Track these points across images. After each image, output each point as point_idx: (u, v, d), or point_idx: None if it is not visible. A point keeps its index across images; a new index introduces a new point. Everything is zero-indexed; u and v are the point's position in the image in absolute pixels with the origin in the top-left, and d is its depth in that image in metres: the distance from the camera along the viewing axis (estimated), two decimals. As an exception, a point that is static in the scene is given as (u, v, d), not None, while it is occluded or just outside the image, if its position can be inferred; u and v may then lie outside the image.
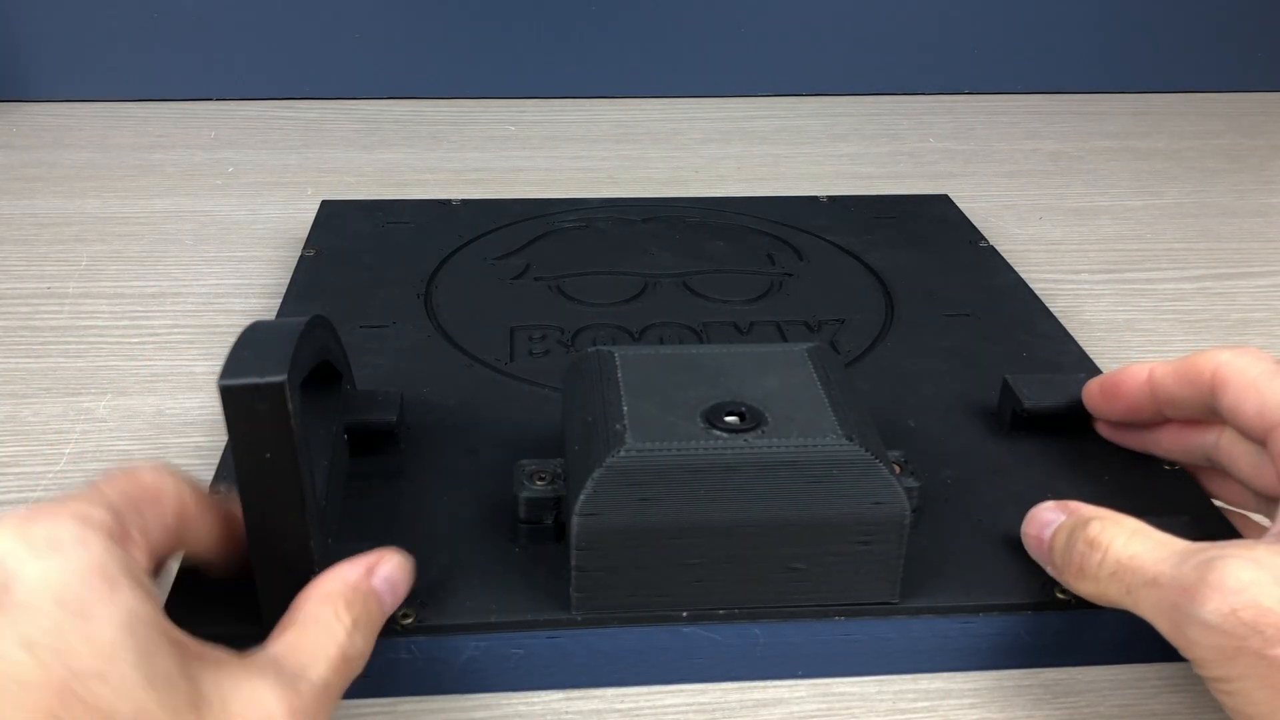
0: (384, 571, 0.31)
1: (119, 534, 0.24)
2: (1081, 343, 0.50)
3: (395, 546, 0.32)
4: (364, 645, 0.29)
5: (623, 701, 0.34)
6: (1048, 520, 0.35)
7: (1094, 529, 0.32)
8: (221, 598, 0.33)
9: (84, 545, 0.22)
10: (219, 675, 0.24)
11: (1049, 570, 0.35)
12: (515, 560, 0.35)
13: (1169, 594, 0.29)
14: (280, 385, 0.29)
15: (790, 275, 0.56)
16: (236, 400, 0.29)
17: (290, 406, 0.29)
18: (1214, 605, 0.28)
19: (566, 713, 0.34)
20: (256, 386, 0.29)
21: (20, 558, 0.21)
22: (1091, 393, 0.41)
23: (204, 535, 0.31)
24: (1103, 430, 0.42)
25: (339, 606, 0.29)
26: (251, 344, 0.31)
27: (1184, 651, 0.30)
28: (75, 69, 0.86)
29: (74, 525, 0.23)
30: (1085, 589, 0.33)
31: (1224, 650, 0.28)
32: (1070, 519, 0.34)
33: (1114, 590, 0.32)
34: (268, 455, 0.29)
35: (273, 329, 0.32)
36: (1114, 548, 0.32)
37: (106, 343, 0.53)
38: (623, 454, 0.32)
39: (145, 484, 0.28)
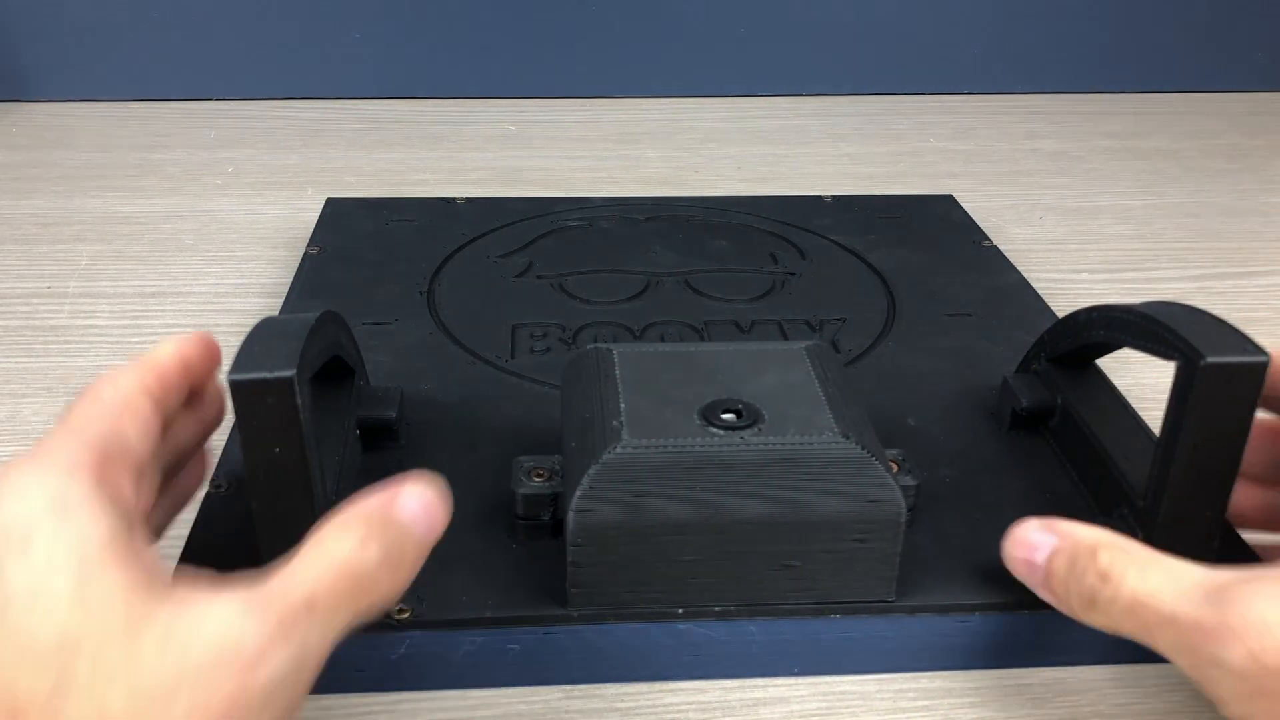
0: (407, 498, 0.28)
1: (94, 465, 0.25)
2: (1081, 342, 0.50)
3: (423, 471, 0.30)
4: (380, 561, 0.26)
5: (623, 700, 0.34)
6: (1037, 543, 0.32)
7: (1104, 560, 0.30)
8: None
9: (41, 485, 0.23)
10: (181, 597, 0.23)
11: (1046, 597, 0.32)
12: (513, 556, 0.35)
13: (1189, 635, 0.27)
14: (289, 380, 0.29)
15: (793, 274, 0.56)
16: (245, 395, 0.29)
17: (298, 401, 0.29)
18: (1236, 650, 0.26)
19: (567, 711, 0.34)
20: (265, 381, 0.29)
21: None
22: None
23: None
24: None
25: (344, 526, 0.26)
26: (261, 339, 0.31)
27: (1203, 689, 0.28)
28: (75, 69, 0.86)
29: (37, 469, 0.23)
30: (1095, 620, 0.30)
31: (1245, 693, 0.26)
32: (1069, 544, 0.31)
33: (1128, 626, 0.29)
34: (276, 450, 0.29)
35: (283, 324, 0.32)
36: (1127, 582, 0.29)
37: (106, 343, 0.53)
38: (619, 450, 0.32)
39: (107, 402, 0.27)
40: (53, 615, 0.21)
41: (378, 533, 0.26)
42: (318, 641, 0.24)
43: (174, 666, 0.21)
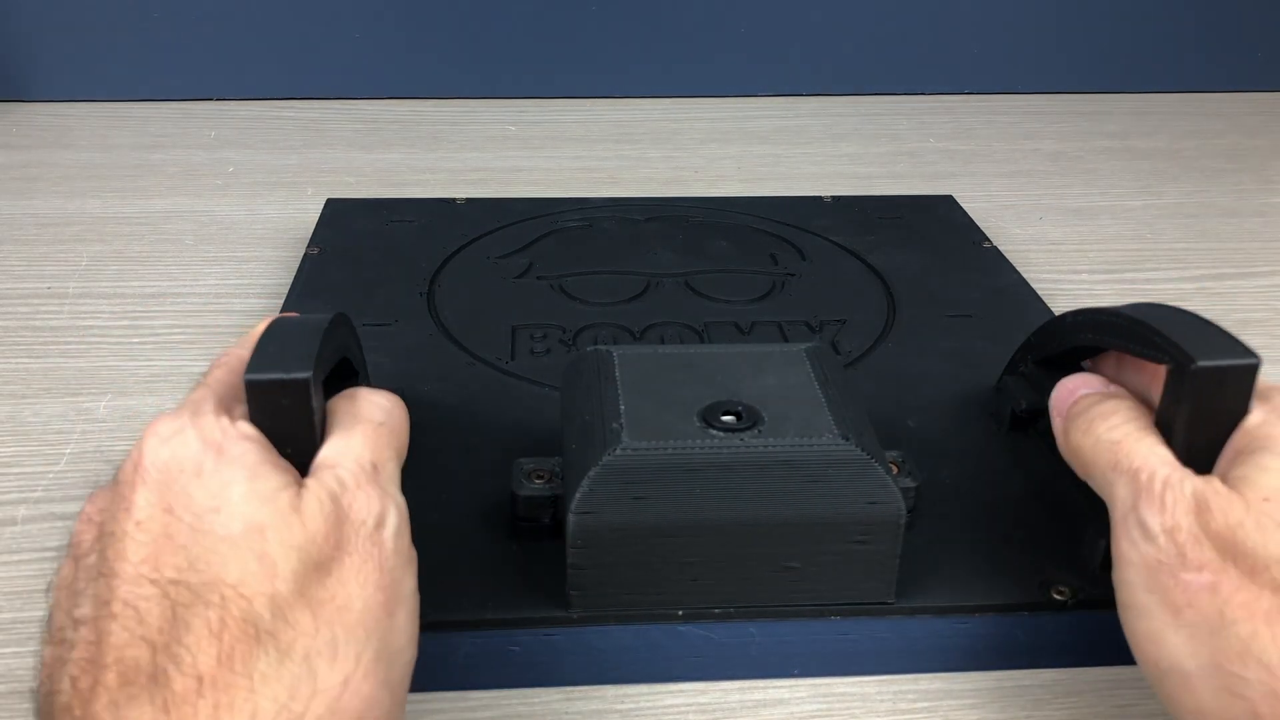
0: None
1: (223, 409, 0.30)
2: (1081, 343, 0.50)
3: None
4: (388, 406, 0.32)
5: (622, 702, 0.34)
6: (1091, 384, 0.35)
7: (1132, 404, 0.33)
8: None
9: (196, 427, 0.28)
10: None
11: (1055, 419, 0.35)
12: (513, 558, 0.36)
13: (1136, 491, 0.30)
14: (305, 382, 0.29)
15: (793, 275, 0.56)
16: (261, 394, 0.29)
17: (314, 403, 0.29)
18: (1159, 520, 0.29)
19: (566, 713, 0.34)
20: (282, 382, 0.29)
21: (153, 448, 0.28)
22: None
23: None
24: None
25: (341, 400, 0.32)
26: (277, 339, 0.31)
27: (1117, 567, 0.30)
28: (75, 69, 0.86)
29: (189, 417, 0.29)
30: (1078, 440, 0.33)
31: (1146, 572, 0.29)
32: (1118, 392, 0.34)
33: (1103, 456, 0.32)
34: (289, 451, 0.29)
35: (298, 325, 0.32)
36: (1135, 425, 0.32)
37: (106, 343, 0.53)
38: (619, 452, 0.32)
39: (231, 365, 0.32)
40: (236, 512, 0.26)
41: (364, 394, 0.32)
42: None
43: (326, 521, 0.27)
